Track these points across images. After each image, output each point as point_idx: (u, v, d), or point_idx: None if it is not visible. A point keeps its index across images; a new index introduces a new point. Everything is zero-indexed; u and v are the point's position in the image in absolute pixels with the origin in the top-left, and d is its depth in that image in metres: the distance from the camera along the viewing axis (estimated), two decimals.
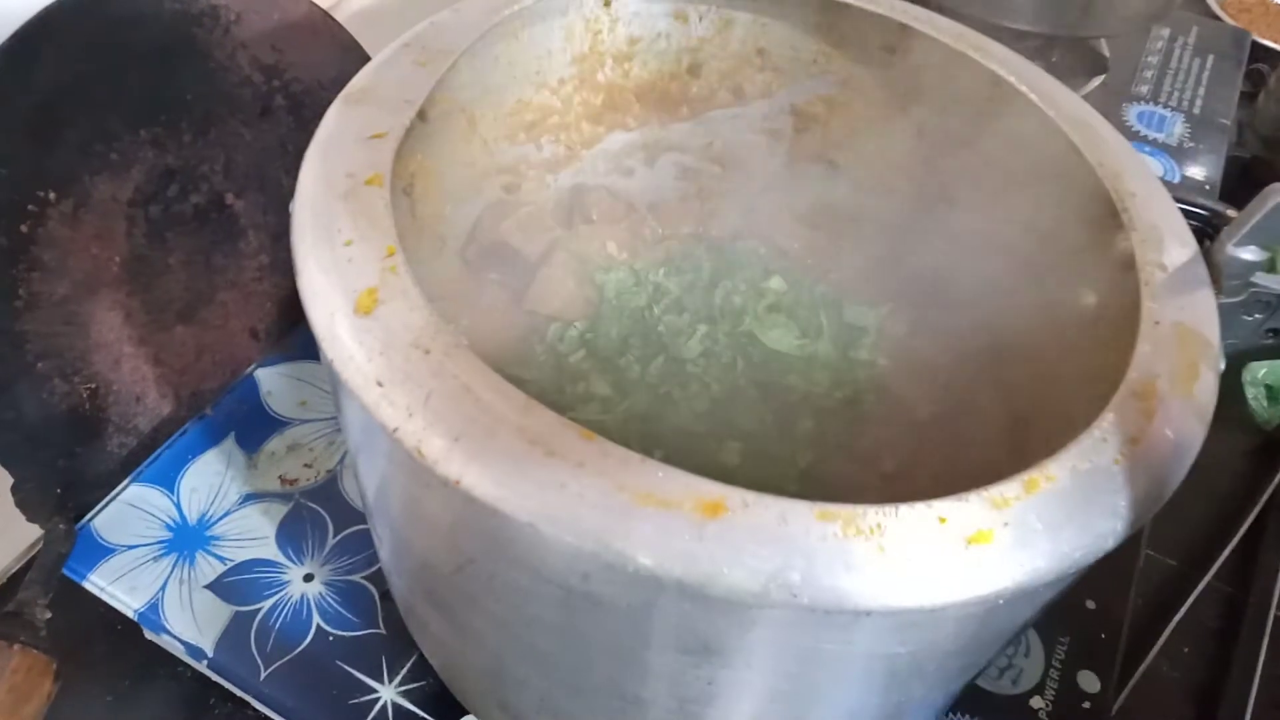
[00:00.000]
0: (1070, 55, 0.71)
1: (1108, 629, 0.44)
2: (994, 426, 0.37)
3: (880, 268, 0.44)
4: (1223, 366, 0.28)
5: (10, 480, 0.41)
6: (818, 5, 0.41)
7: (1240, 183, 0.68)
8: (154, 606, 0.42)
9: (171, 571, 0.43)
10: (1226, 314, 0.30)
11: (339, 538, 0.45)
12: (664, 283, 0.45)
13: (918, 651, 0.26)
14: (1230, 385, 0.56)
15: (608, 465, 0.23)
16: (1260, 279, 0.32)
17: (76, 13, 0.38)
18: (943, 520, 0.23)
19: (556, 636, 0.28)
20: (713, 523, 0.22)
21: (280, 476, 0.47)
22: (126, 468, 0.46)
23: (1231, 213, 0.38)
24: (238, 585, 0.43)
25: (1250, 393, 0.56)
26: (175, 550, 0.44)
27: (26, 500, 0.41)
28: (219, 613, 0.42)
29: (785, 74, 0.44)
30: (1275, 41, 0.80)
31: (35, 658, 0.36)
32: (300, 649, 0.41)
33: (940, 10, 0.40)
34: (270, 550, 0.44)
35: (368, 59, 0.35)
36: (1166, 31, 0.77)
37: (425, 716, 0.40)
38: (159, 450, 0.47)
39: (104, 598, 0.42)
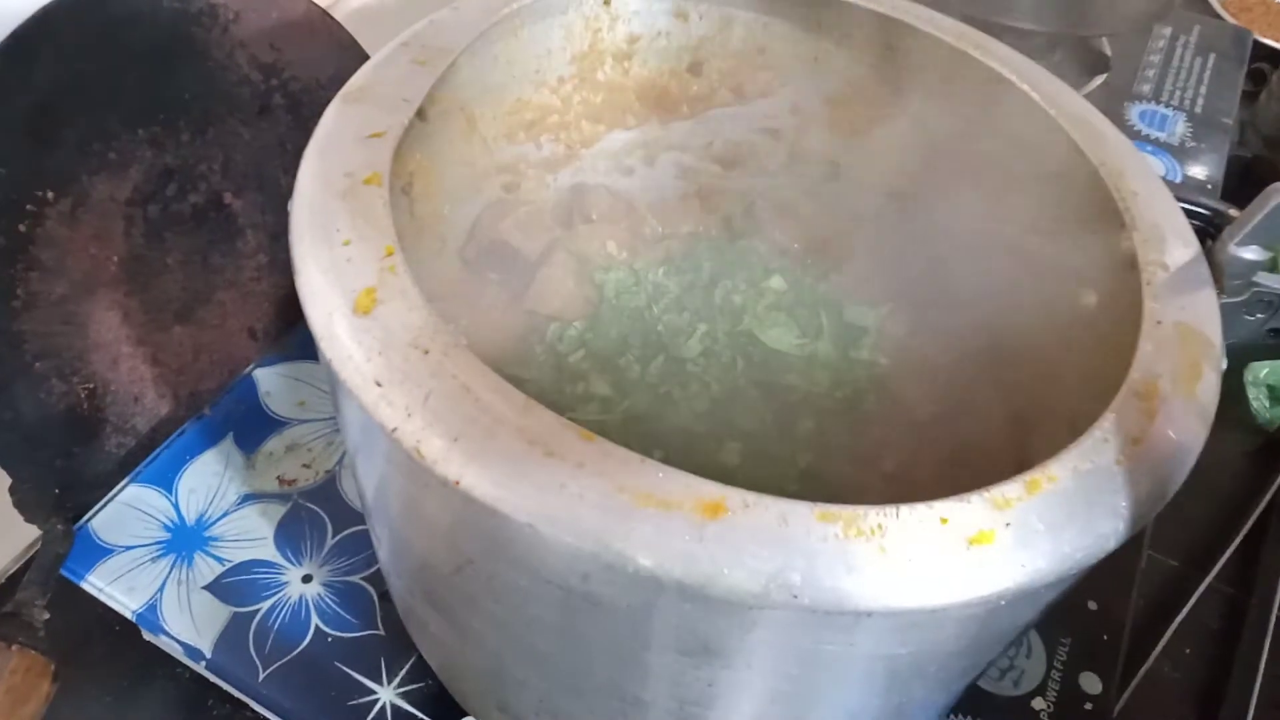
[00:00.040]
0: (1072, 54, 0.71)
1: (1109, 630, 0.44)
2: (995, 426, 0.37)
3: (880, 267, 0.44)
4: (1224, 366, 0.28)
5: (8, 480, 0.41)
6: (818, 3, 0.41)
7: (1242, 182, 0.68)
8: (152, 607, 0.42)
9: (170, 572, 0.43)
10: (1228, 314, 0.30)
11: (338, 538, 0.45)
12: (664, 282, 0.44)
13: (919, 653, 0.26)
14: (1231, 386, 0.56)
15: (607, 466, 0.23)
16: (1262, 278, 0.32)
17: (75, 12, 0.38)
18: (944, 521, 0.23)
19: (556, 637, 0.28)
20: (713, 523, 0.22)
21: (279, 477, 0.47)
22: (124, 468, 0.46)
23: (1233, 212, 0.38)
24: (236, 586, 0.43)
25: (1252, 393, 0.56)
26: (173, 551, 0.44)
27: (24, 500, 0.41)
28: (217, 614, 0.42)
29: (786, 72, 0.44)
30: (1277, 40, 0.80)
31: (33, 659, 0.36)
32: (299, 650, 0.41)
33: (941, 9, 0.40)
34: (268, 551, 0.44)
35: (366, 58, 0.35)
36: (1168, 31, 0.77)
37: (424, 718, 0.40)
38: (157, 450, 0.47)
39: (102, 598, 0.42)
